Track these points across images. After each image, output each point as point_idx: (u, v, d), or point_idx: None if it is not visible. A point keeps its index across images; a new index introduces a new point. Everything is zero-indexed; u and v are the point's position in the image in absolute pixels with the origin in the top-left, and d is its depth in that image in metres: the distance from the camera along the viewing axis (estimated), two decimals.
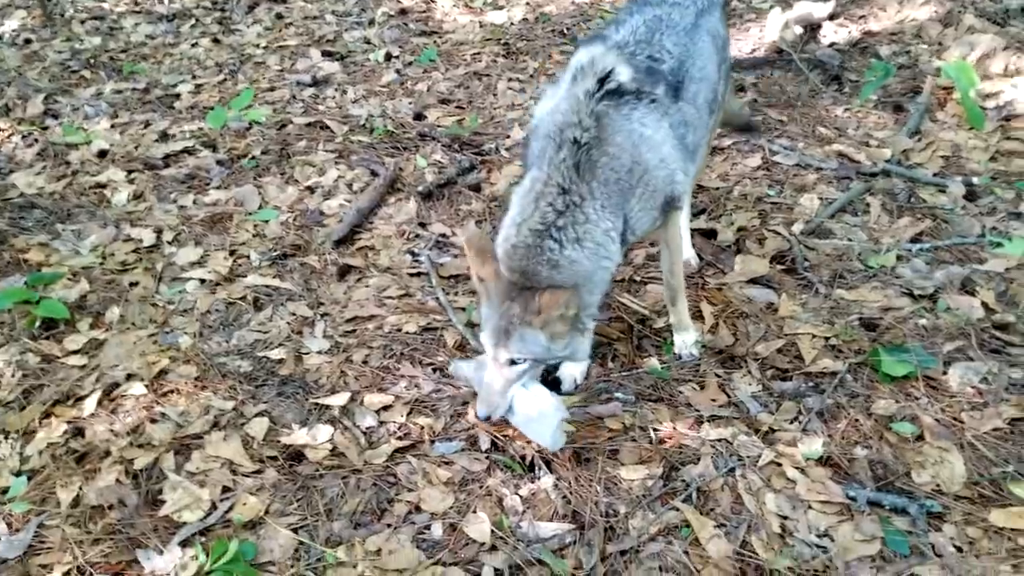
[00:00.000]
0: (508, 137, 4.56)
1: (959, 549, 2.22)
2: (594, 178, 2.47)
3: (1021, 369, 2.76)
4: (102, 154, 4.47)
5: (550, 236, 2.44)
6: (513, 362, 2.49)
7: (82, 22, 6.17)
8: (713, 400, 2.75)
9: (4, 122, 4.77)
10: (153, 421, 2.80)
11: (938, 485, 2.40)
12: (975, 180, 3.79)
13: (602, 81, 2.51)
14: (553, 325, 2.42)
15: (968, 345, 2.86)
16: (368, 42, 5.77)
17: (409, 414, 2.80)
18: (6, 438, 2.74)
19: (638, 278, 3.41)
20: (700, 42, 2.88)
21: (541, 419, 2.53)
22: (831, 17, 5.57)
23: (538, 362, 2.53)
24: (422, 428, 2.74)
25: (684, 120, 2.71)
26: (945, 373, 2.76)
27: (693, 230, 3.54)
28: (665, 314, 3.12)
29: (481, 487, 2.51)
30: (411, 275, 3.53)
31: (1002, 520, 2.27)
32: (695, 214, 3.68)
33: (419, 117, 4.83)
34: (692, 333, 2.98)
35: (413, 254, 3.67)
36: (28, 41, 5.90)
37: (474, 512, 2.41)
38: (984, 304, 3.04)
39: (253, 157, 4.35)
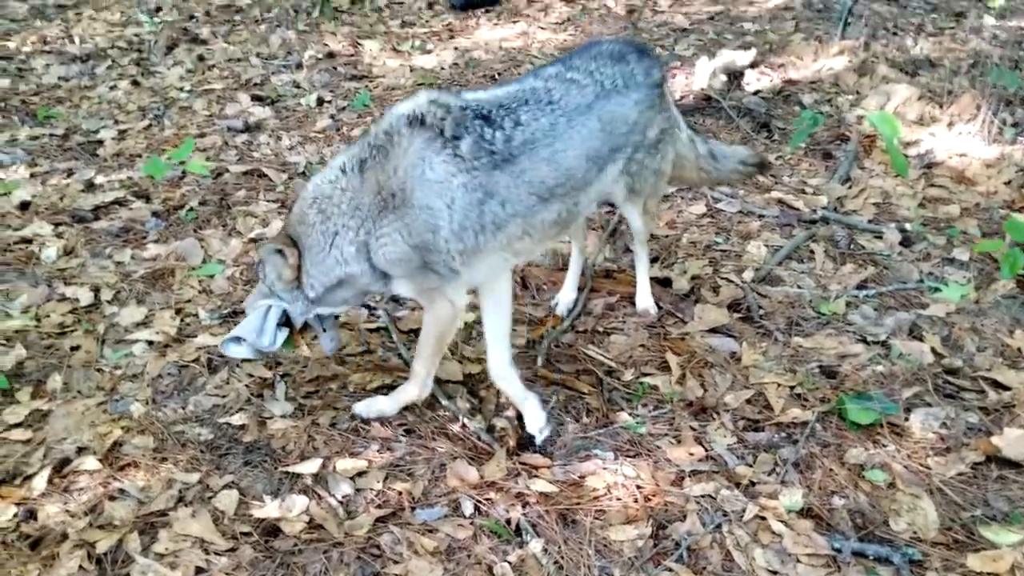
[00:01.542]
0: None
1: None
2: (363, 179, 2.68)
3: (975, 413, 2.91)
4: (24, 206, 4.24)
5: (312, 196, 2.77)
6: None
7: None
8: (691, 454, 2.80)
9: None
10: (112, 499, 2.65)
11: (915, 532, 2.49)
12: (907, 227, 4.00)
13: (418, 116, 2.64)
14: (277, 268, 2.82)
15: (925, 391, 3.00)
16: (298, 86, 5.68)
17: (386, 479, 2.74)
18: None
19: (600, 328, 3.45)
20: (578, 127, 2.80)
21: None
22: (752, 65, 5.81)
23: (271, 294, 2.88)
24: (400, 494, 2.68)
25: (488, 190, 2.67)
26: (907, 419, 2.88)
27: (651, 279, 3.60)
28: (631, 365, 3.16)
29: (469, 556, 2.47)
30: (370, 330, 3.46)
31: (979, 565, 2.37)
32: (652, 261, 3.75)
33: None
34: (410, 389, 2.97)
35: (369, 308, 3.60)
36: None
37: None
38: (933, 349, 3.20)
39: (191, 208, 4.21)
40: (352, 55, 6.22)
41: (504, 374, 2.95)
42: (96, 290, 3.62)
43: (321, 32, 6.56)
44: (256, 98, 5.47)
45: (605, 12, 6.90)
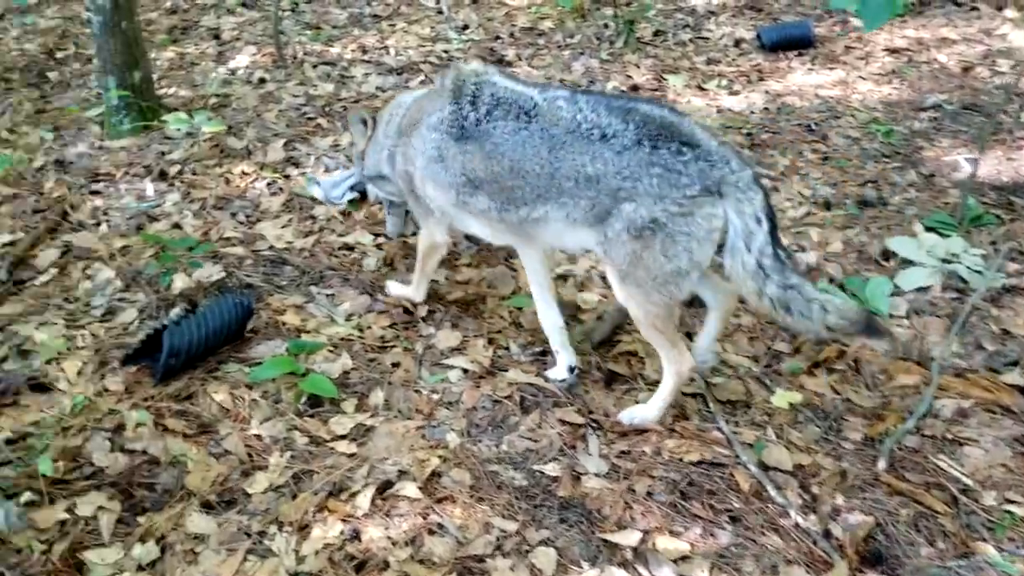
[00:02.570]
0: None
1: None
2: (411, 109, 3.48)
3: None
4: (347, 214, 4.47)
5: (395, 104, 3.66)
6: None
7: (314, 66, 6.31)
8: None
9: (247, 166, 4.86)
10: (431, 532, 2.66)
11: None
12: None
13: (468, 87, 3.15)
14: (355, 134, 3.81)
15: None
16: None
17: (711, 570, 2.56)
18: (280, 529, 2.65)
19: (951, 436, 3.09)
20: (534, 150, 2.97)
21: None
22: None
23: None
24: None
25: (442, 154, 3.19)
26: None
27: (1011, 385, 3.19)
28: (992, 487, 2.80)
29: None
30: (685, 394, 3.31)
31: None
32: (1011, 364, 3.31)
33: None
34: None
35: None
36: (263, 81, 6.06)
37: None
38: None
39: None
40: (656, 89, 6.13)
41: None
42: (413, 306, 3.72)
43: (624, 63, 6.53)
44: None
45: (936, 67, 6.38)
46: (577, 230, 3.01)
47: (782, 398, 3.30)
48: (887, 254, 4.18)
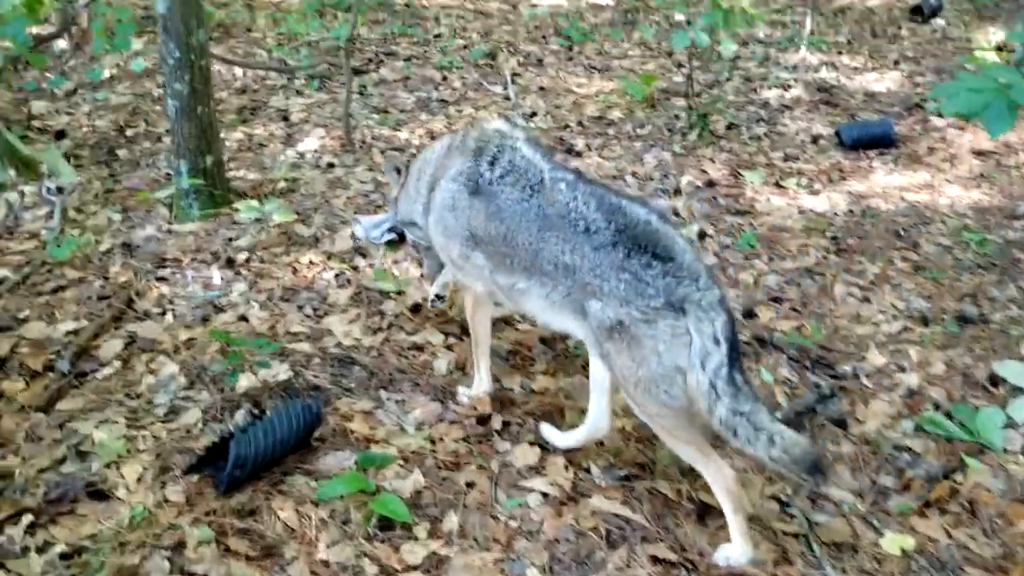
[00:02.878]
0: (864, 359, 4.09)
1: None
2: (440, 162, 3.54)
3: None
4: (415, 308, 4.33)
5: (424, 155, 3.73)
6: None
7: (382, 152, 6.28)
8: None
9: (315, 254, 4.76)
10: None
11: None
12: None
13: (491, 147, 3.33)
14: (390, 180, 3.95)
15: None
16: (677, 214, 5.52)
17: None
18: None
19: None
20: (532, 228, 3.09)
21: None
22: None
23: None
24: None
25: (455, 205, 3.35)
26: None
27: None
28: None
29: None
30: (785, 533, 3.05)
31: None
32: None
33: (750, 315, 4.45)
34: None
35: (781, 502, 3.20)
36: (331, 165, 6.04)
37: None
38: None
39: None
40: (732, 185, 5.99)
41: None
42: (487, 417, 3.53)
43: (698, 157, 6.41)
44: None
45: None
46: (559, 313, 3.12)
47: (893, 543, 3.03)
48: (995, 379, 3.92)
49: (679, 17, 10.79)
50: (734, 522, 2.91)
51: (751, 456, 2.82)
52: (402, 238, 4.17)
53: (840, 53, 9.38)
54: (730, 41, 6.29)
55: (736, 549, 2.90)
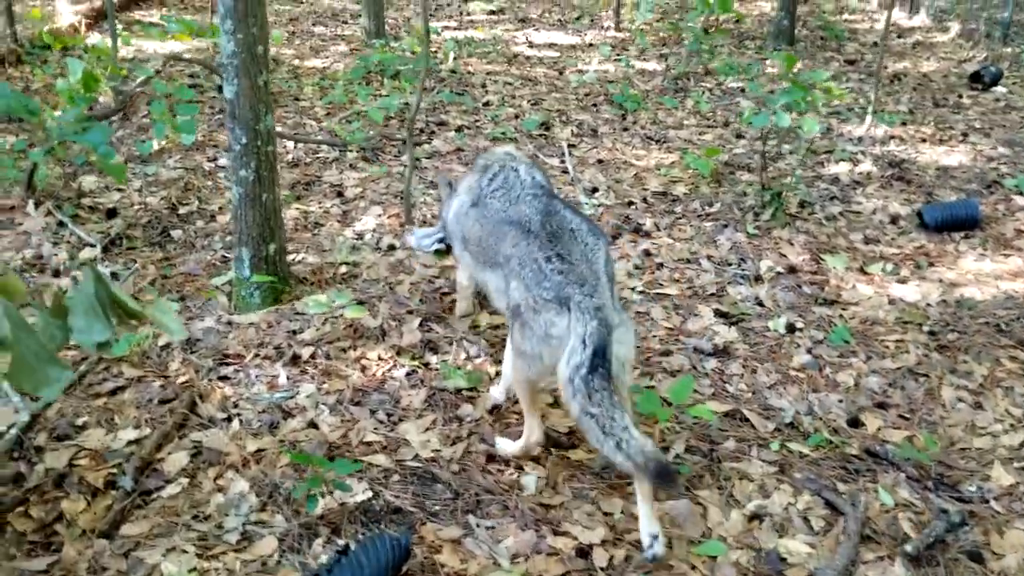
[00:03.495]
0: (988, 477, 3.78)
1: None
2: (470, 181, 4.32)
3: None
4: (494, 410, 4.08)
5: (468, 178, 4.36)
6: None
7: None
8: None
9: (383, 349, 4.54)
10: None
11: None
12: None
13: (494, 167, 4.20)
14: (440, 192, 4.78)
15: None
16: (761, 303, 5.26)
17: None
18: None
19: None
20: (496, 225, 3.92)
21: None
22: None
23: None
24: None
25: (461, 217, 4.25)
26: None
27: None
28: None
29: None
30: None
31: None
32: None
33: (855, 423, 4.16)
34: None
35: None
36: (392, 248, 5.84)
37: None
38: None
39: (678, 457, 3.80)
40: (815, 272, 5.72)
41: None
42: (587, 550, 3.25)
43: (774, 238, 6.16)
44: (719, 313, 5.11)
45: None
46: (502, 299, 3.80)
47: None
48: None
49: (732, 84, 10.64)
50: (517, 447, 3.73)
51: (605, 456, 3.16)
52: (450, 249, 4.65)
53: (904, 124, 9.16)
54: (814, 122, 6.05)
55: (510, 447, 3.77)
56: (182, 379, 4.21)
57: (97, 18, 12.39)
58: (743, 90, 10.31)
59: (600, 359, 3.14)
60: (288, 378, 4.27)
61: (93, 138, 5.02)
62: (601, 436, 3.07)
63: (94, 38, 11.61)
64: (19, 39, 10.29)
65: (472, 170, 4.31)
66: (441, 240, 4.65)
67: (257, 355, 4.44)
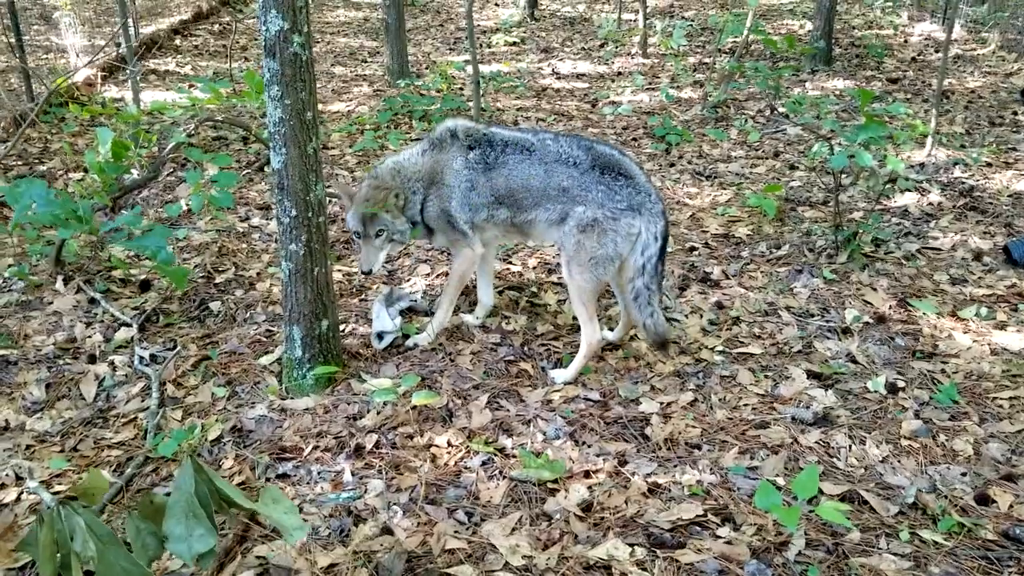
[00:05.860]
0: None
1: None
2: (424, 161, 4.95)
3: None
4: (586, 508, 3.73)
5: (391, 166, 4.96)
6: (377, 234, 4.77)
7: (499, 291, 5.77)
8: None
9: (453, 434, 4.20)
10: None
11: None
12: None
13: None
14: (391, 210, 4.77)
15: None
16: (854, 360, 4.90)
17: None
18: None
19: None
20: (532, 168, 4.67)
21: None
22: None
23: (388, 232, 4.79)
24: None
25: (473, 184, 4.77)
26: None
27: None
28: None
29: None
30: None
31: None
32: None
33: (983, 500, 3.78)
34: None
35: None
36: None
37: None
38: None
39: (801, 555, 3.43)
40: (905, 320, 5.36)
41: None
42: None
43: (855, 283, 5.81)
44: (811, 375, 4.75)
45: None
46: (546, 229, 4.76)
47: None
48: None
49: (781, 109, 10.31)
50: (576, 363, 4.65)
51: (634, 317, 4.63)
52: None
53: (963, 146, 8.80)
54: (899, 162, 5.71)
55: (564, 374, 4.67)
56: (238, 479, 3.89)
57: (112, 70, 12.23)
58: (787, 116, 9.99)
59: (663, 251, 4.50)
60: (353, 473, 3.94)
61: (152, 242, 4.78)
62: (647, 305, 4.51)
63: (111, 90, 11.44)
64: (35, 97, 10.10)
65: (424, 156, 4.90)
66: (402, 312, 5.25)
67: (316, 447, 4.12)
